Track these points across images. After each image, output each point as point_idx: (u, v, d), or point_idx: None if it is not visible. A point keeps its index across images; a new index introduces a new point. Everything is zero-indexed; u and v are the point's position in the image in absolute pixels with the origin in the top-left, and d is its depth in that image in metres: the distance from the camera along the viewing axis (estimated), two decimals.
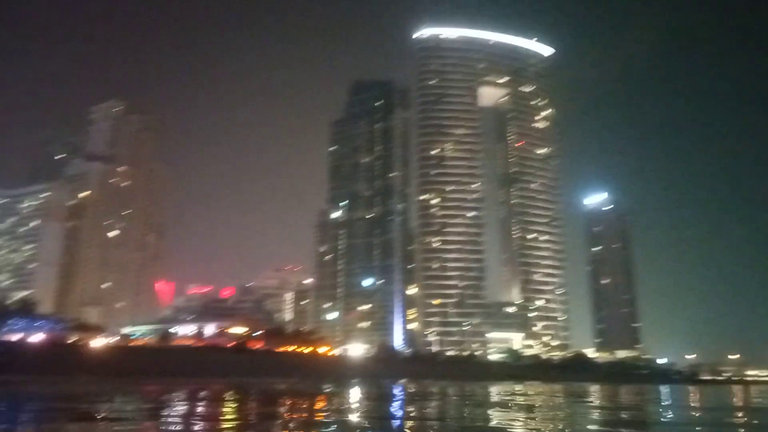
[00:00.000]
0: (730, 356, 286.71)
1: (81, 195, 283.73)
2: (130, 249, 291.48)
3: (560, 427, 26.22)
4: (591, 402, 52.31)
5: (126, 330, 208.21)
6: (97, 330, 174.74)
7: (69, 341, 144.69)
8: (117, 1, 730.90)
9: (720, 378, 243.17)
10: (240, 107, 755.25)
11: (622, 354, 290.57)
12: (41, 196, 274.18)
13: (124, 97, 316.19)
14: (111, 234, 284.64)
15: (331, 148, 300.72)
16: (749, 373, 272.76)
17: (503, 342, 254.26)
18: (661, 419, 35.48)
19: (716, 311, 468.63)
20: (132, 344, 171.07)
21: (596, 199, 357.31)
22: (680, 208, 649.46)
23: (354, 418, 28.93)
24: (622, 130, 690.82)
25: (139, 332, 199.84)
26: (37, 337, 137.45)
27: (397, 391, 60.82)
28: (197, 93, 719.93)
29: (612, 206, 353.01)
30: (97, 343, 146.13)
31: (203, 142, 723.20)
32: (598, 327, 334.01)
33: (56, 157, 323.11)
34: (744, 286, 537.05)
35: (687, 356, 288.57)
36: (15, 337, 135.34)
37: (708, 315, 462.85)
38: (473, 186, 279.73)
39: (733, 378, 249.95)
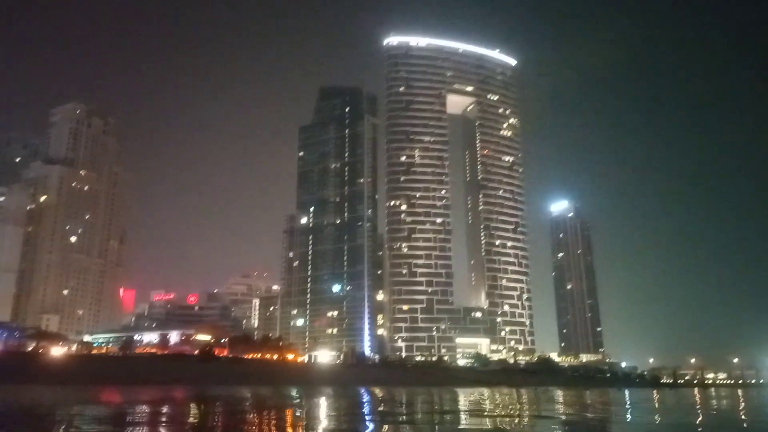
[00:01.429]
0: (690, 360, 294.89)
1: (41, 199, 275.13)
2: (91, 255, 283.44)
3: None
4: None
5: (87, 338, 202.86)
6: (57, 338, 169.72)
7: (28, 349, 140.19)
8: (80, 3, 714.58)
9: (681, 382, 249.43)
10: (207, 112, 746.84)
11: (585, 358, 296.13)
12: None
13: (85, 99, 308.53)
14: (71, 239, 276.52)
15: (299, 154, 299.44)
16: (708, 376, 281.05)
17: (471, 347, 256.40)
18: None
19: (676, 316, 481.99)
20: (94, 352, 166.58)
21: (560, 206, 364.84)
22: (641, 215, 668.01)
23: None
24: (584, 139, 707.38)
25: (101, 340, 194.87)
26: None
27: (365, 399, 60.80)
28: (163, 98, 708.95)
29: (574, 213, 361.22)
30: (58, 351, 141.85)
31: (168, 147, 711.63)
32: (562, 331, 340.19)
33: (15, 160, 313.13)
34: (703, 292, 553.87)
35: (648, 360, 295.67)
36: None
37: (668, 320, 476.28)
38: (441, 192, 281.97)
39: (694, 381, 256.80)
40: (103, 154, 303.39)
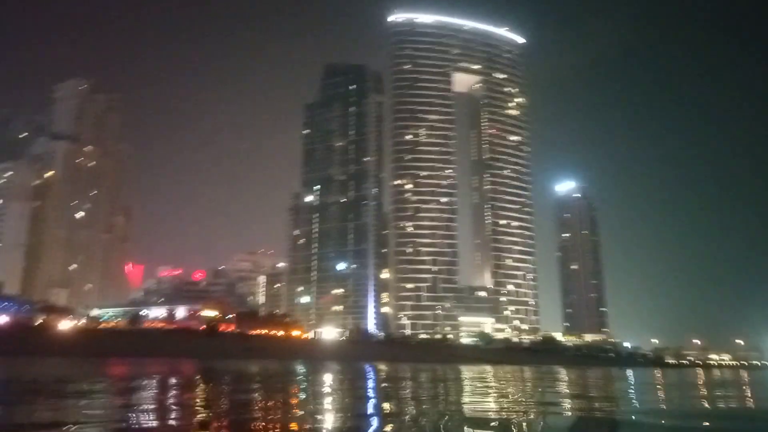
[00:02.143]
0: (693, 340, 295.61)
1: (46, 175, 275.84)
2: (97, 230, 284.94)
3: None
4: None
5: (94, 312, 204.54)
6: (64, 312, 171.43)
7: (36, 323, 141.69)
8: None
9: (684, 362, 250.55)
10: (212, 89, 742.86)
11: (589, 337, 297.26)
12: (5, 175, 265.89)
13: (88, 75, 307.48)
14: (77, 215, 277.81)
15: (304, 132, 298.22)
16: (712, 357, 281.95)
17: (475, 326, 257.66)
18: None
19: (680, 297, 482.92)
20: (101, 326, 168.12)
21: (566, 186, 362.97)
22: (647, 196, 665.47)
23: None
24: (591, 119, 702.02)
25: (109, 314, 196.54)
26: (2, 319, 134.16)
27: (368, 373, 61.29)
28: (168, 74, 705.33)
29: (580, 194, 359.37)
30: (65, 325, 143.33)
31: (173, 123, 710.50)
32: (566, 311, 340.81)
33: (20, 136, 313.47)
34: (707, 273, 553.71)
35: (651, 340, 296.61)
36: None
37: (672, 300, 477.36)
38: (447, 171, 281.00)
39: (696, 362, 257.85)
40: (107, 130, 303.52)
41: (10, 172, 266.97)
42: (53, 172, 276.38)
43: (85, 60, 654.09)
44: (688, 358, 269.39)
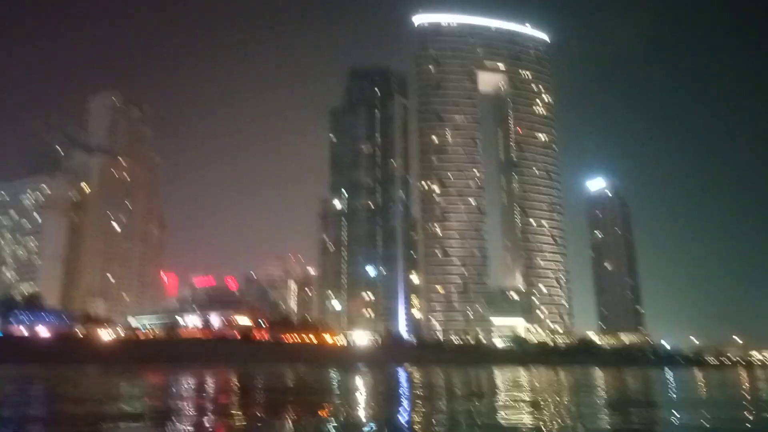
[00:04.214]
0: (735, 339, 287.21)
1: (82, 185, 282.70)
2: (133, 241, 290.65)
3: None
4: None
5: (133, 321, 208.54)
6: (103, 322, 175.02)
7: (76, 333, 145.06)
8: None
9: (726, 361, 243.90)
10: (239, 97, 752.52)
11: (626, 338, 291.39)
12: (41, 186, 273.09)
13: (121, 88, 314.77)
14: (113, 226, 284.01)
15: (330, 137, 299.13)
16: (753, 355, 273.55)
17: (507, 328, 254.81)
18: None
19: (719, 293, 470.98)
20: (140, 336, 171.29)
21: (597, 183, 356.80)
22: (682, 192, 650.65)
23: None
24: (621, 115, 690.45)
25: (146, 323, 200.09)
26: (44, 330, 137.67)
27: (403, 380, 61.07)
28: (196, 84, 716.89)
29: (612, 191, 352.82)
30: (105, 334, 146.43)
31: (203, 133, 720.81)
32: (601, 311, 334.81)
33: (56, 147, 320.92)
34: (747, 269, 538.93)
35: (691, 339, 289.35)
36: (23, 330, 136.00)
37: (711, 297, 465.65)
38: (474, 172, 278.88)
39: (740, 361, 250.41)
40: (140, 142, 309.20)
41: (47, 186, 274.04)
42: (89, 185, 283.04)
43: (117, 72, 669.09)
44: (729, 357, 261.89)
